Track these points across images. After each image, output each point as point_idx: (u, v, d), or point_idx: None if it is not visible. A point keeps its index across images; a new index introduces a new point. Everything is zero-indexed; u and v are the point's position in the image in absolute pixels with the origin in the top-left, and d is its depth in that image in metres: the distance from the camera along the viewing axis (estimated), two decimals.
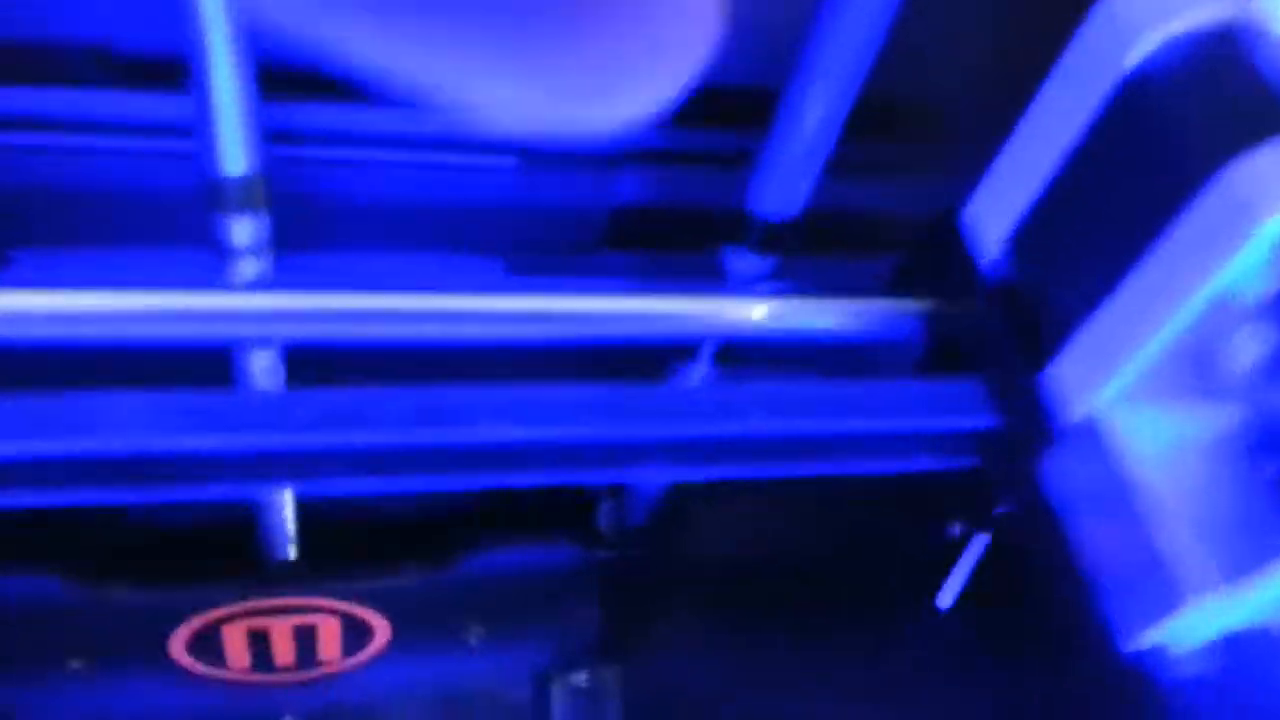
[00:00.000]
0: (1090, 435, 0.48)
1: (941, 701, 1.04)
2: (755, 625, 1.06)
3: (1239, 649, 0.46)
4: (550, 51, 0.15)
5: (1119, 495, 0.46)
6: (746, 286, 0.63)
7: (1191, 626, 0.44)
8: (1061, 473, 0.49)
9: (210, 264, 0.62)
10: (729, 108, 0.66)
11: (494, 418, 0.47)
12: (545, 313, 0.61)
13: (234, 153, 0.55)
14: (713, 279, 0.67)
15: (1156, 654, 0.46)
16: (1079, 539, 0.48)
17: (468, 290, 0.61)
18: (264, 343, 0.66)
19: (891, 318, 0.55)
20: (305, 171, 0.70)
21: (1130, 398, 0.47)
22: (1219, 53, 0.45)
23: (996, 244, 0.52)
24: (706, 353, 0.71)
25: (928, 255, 0.56)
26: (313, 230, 0.70)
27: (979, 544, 1.03)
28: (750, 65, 0.64)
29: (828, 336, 0.56)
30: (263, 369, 0.67)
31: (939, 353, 0.57)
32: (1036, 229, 0.50)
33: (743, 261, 0.66)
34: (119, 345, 0.59)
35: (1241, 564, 0.43)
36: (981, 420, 0.51)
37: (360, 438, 0.48)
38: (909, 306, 0.55)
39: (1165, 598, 0.43)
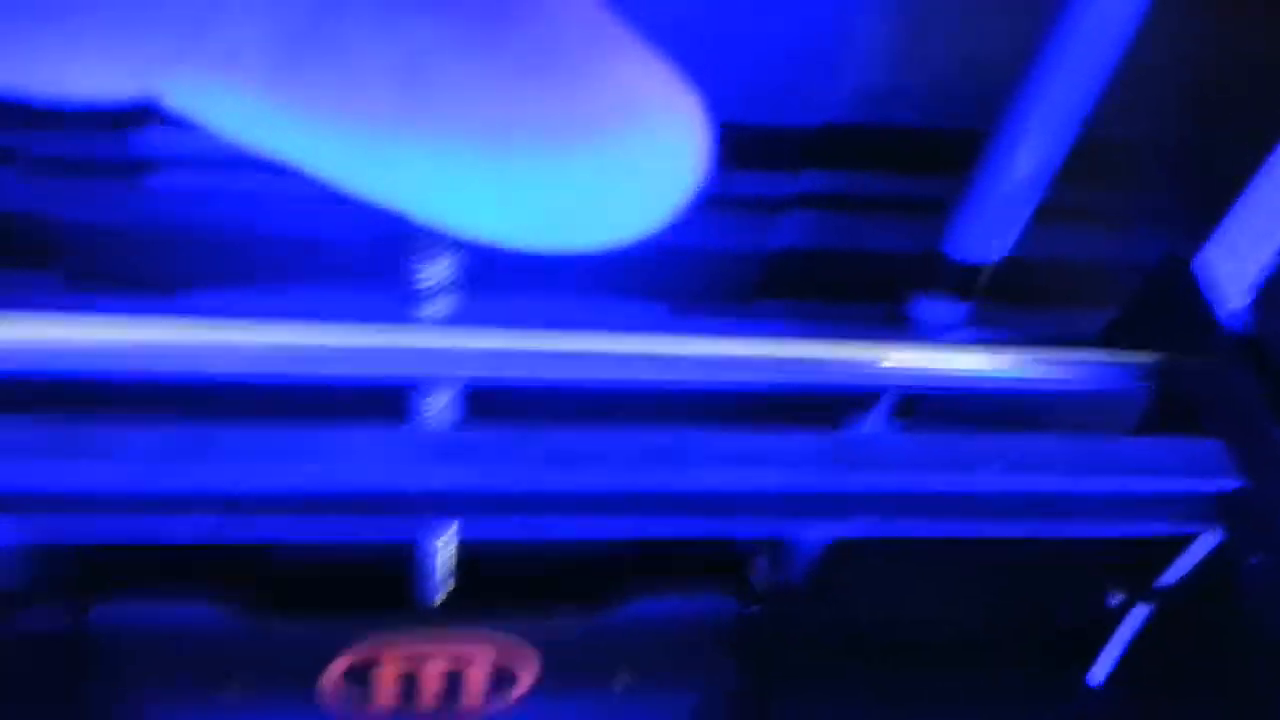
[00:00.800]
0: None
1: None
2: (901, 693, 1.01)
3: None
4: (531, 166, 0.13)
5: None
6: (945, 332, 0.59)
7: None
8: None
9: (392, 305, 0.62)
10: (918, 152, 0.64)
11: (668, 463, 0.45)
12: (722, 357, 0.59)
13: None
14: (901, 327, 0.64)
15: None
16: None
17: (643, 333, 0.60)
18: (444, 381, 0.66)
19: (1110, 371, 0.51)
20: None
21: None
22: None
23: (1239, 293, 0.48)
24: (885, 405, 0.68)
25: (1152, 305, 0.52)
26: (485, 275, 0.70)
27: (1138, 616, 0.96)
28: (945, 108, 0.62)
29: (1037, 390, 0.52)
30: (440, 406, 0.67)
31: (1161, 411, 0.52)
32: None
33: (934, 309, 0.62)
34: (299, 381, 0.60)
35: None
36: (1224, 482, 0.46)
37: (529, 480, 0.47)
38: (1131, 359, 0.51)
39: None
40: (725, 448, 0.42)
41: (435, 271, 0.61)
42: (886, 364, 0.55)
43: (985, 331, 0.57)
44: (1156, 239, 0.56)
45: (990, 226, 0.56)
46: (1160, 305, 0.51)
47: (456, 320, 0.62)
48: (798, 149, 0.67)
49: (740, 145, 0.67)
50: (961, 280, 0.59)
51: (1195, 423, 0.49)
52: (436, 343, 0.59)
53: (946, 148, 0.61)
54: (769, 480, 0.42)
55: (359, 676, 0.89)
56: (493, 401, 0.69)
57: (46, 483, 0.40)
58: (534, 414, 0.63)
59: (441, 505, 0.50)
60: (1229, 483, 0.46)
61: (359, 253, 0.67)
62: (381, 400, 0.68)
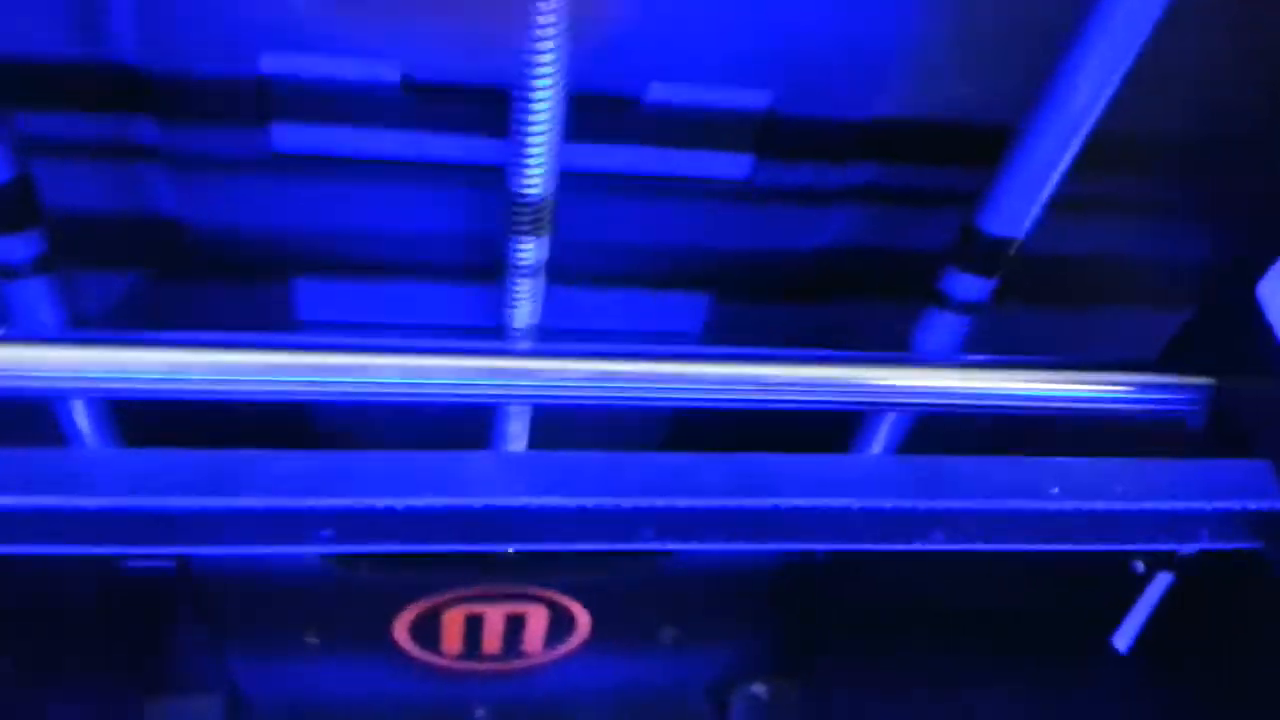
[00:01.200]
0: None
1: None
2: (936, 650, 1.05)
3: None
4: None
5: None
6: (973, 308, 0.62)
7: None
8: None
9: (486, 298, 0.66)
10: (950, 145, 0.67)
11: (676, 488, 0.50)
12: (744, 378, 0.63)
13: (539, 175, 0.58)
14: (932, 302, 0.68)
15: None
16: None
17: (681, 357, 0.64)
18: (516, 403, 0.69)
19: (1167, 392, 0.54)
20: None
21: None
22: None
23: None
24: (892, 421, 0.71)
25: (1211, 329, 0.54)
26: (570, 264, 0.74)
27: (1162, 584, 0.99)
28: (979, 103, 0.65)
29: (1096, 411, 0.55)
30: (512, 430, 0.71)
31: (1217, 432, 0.55)
32: None
33: (965, 284, 0.66)
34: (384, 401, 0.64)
35: None
36: (1268, 502, 0.49)
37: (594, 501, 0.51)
38: (1188, 381, 0.54)
39: None
40: (799, 471, 0.46)
41: (526, 254, 0.64)
42: (929, 384, 0.58)
43: (1049, 356, 0.59)
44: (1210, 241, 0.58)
45: (1016, 204, 0.61)
46: (1219, 329, 0.53)
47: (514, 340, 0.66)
48: (843, 142, 0.69)
49: (789, 137, 0.70)
50: (990, 255, 0.63)
51: (1246, 444, 0.52)
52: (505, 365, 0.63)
53: (977, 141, 0.64)
54: (843, 501, 0.45)
55: (428, 624, 0.94)
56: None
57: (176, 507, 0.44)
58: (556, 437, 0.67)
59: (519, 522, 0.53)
60: (1272, 503, 0.49)
61: (458, 244, 0.72)
62: (456, 423, 0.72)
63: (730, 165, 0.72)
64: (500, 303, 0.68)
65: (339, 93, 0.64)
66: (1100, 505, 0.47)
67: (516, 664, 1.00)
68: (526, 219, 0.60)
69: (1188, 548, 0.52)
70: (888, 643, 1.06)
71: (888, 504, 0.45)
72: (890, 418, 0.72)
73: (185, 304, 0.75)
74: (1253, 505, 0.50)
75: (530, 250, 0.63)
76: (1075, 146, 0.58)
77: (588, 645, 0.99)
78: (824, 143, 0.71)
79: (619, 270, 0.80)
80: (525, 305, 0.67)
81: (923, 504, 0.45)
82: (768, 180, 0.73)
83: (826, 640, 1.04)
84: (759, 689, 1.06)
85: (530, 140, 0.55)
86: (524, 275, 0.64)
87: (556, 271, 0.71)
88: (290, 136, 0.66)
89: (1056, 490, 0.45)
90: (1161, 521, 0.49)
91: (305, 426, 0.82)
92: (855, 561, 0.99)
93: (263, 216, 0.71)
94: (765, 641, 1.04)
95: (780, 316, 0.84)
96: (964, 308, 0.67)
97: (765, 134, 0.70)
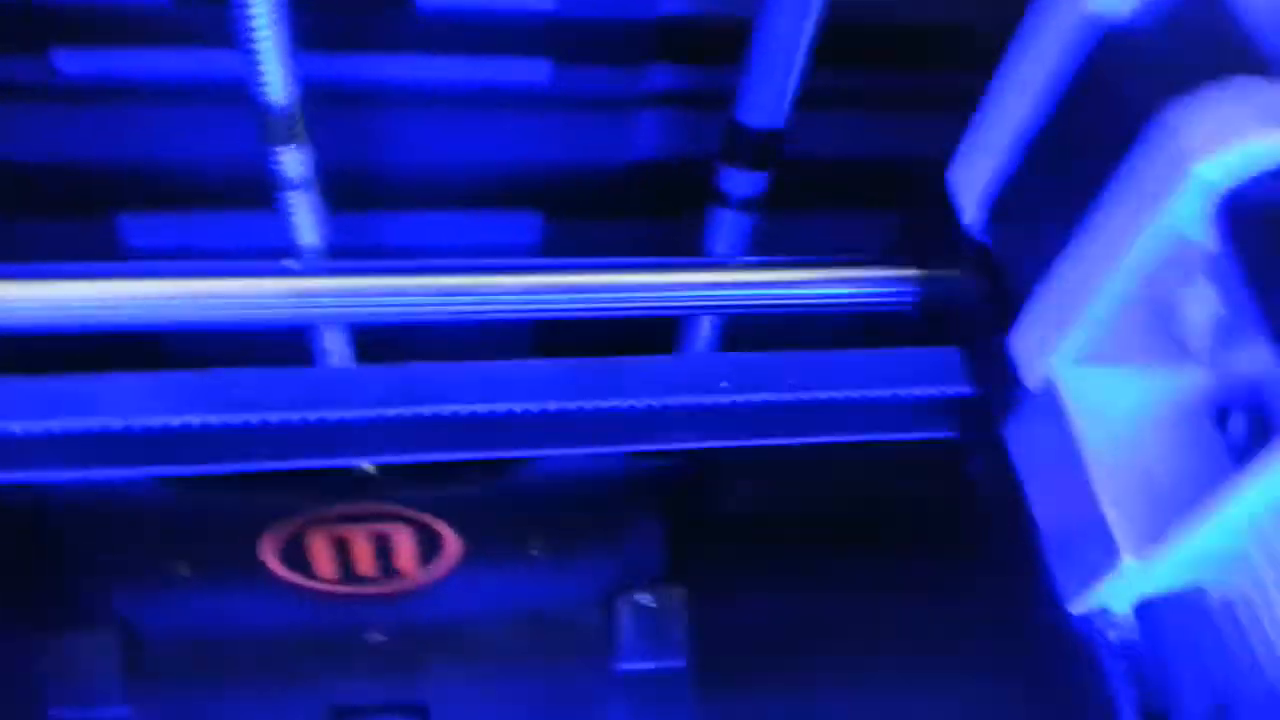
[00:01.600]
0: (1048, 399, 0.46)
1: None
2: (817, 556, 1.03)
3: (1178, 611, 0.47)
4: None
5: (1068, 459, 0.45)
6: (730, 257, 0.64)
7: (1129, 588, 0.45)
8: (1022, 437, 0.49)
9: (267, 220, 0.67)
10: (705, 45, 0.68)
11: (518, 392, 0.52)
12: (539, 288, 0.64)
13: (277, 84, 0.58)
14: (716, 202, 0.69)
15: (1098, 616, 0.46)
16: (1032, 502, 0.48)
17: (499, 270, 0.64)
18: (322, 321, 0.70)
19: (882, 285, 0.56)
20: (349, 126, 0.74)
21: (1090, 360, 0.46)
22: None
23: (975, 206, 0.51)
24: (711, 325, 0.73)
25: (919, 218, 0.56)
26: (362, 192, 0.75)
27: None
28: None
29: (813, 307, 0.57)
30: (329, 346, 0.73)
31: (923, 322, 0.57)
32: (1008, 190, 0.48)
33: (737, 179, 0.67)
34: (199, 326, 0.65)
35: (1175, 527, 0.42)
36: (956, 388, 0.52)
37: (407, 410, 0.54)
38: (899, 273, 0.56)
39: (1100, 560, 0.43)
40: (555, 375, 0.48)
41: (292, 165, 0.64)
42: (674, 286, 0.60)
43: (781, 255, 0.61)
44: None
45: (767, 94, 0.61)
46: (924, 218, 0.55)
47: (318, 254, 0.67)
48: (637, 44, 0.70)
49: (582, 42, 0.70)
50: (754, 147, 0.64)
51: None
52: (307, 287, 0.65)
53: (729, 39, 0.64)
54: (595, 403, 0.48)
55: (295, 549, 0.97)
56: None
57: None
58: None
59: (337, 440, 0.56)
60: (955, 390, 0.52)
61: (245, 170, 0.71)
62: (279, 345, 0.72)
63: (528, 71, 0.72)
64: (318, 223, 0.68)
65: (114, 11, 0.63)
66: (781, 397, 0.50)
67: (398, 585, 1.02)
68: (272, 128, 0.60)
69: (893, 437, 0.54)
70: (779, 543, 1.04)
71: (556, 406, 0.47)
72: (676, 321, 0.73)
73: (10, 241, 0.75)
74: (938, 393, 0.51)
75: (290, 162, 0.63)
76: (809, 30, 0.58)
77: (464, 563, 1.02)
78: (617, 45, 0.71)
79: (448, 188, 0.80)
80: (305, 221, 0.67)
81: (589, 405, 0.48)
82: (568, 87, 0.73)
83: (713, 543, 1.05)
84: (644, 597, 1.07)
85: (256, 44, 0.55)
86: (293, 189, 0.65)
87: (383, 192, 0.71)
88: (73, 62, 0.65)
89: (725, 384, 0.48)
90: (860, 409, 0.52)
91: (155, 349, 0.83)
92: (733, 463, 1.03)
93: (69, 148, 0.70)
94: (644, 549, 1.04)
95: (612, 231, 0.84)
96: (743, 205, 0.68)
97: (558, 38, 0.70)
